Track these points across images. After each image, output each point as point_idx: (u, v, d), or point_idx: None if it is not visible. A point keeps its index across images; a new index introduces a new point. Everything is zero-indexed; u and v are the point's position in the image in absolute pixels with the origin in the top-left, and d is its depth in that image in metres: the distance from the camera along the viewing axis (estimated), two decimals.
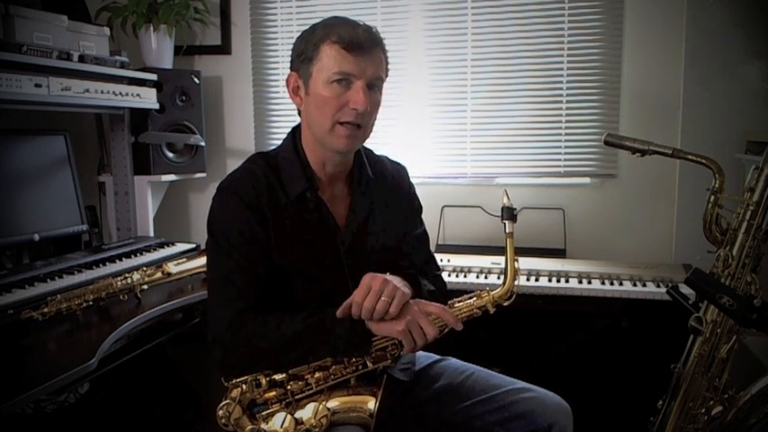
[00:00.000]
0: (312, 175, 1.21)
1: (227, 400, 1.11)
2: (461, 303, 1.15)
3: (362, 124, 1.15)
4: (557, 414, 1.24)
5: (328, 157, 1.20)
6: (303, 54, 1.16)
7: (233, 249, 1.15)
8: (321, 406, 1.08)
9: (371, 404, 1.11)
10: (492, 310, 1.15)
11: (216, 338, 1.13)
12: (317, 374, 1.11)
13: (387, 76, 1.20)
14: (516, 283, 1.14)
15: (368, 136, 1.21)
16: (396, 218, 1.30)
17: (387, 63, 1.19)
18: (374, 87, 1.15)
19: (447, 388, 1.31)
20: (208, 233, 1.20)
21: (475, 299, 1.15)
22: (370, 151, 1.34)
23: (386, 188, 1.31)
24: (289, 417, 1.08)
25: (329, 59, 1.12)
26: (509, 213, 1.14)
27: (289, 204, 1.19)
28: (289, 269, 1.18)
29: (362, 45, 1.10)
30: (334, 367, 1.11)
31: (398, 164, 1.39)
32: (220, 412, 1.10)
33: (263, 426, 1.09)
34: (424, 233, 1.40)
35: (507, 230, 1.14)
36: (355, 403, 1.11)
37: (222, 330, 1.12)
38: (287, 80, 1.22)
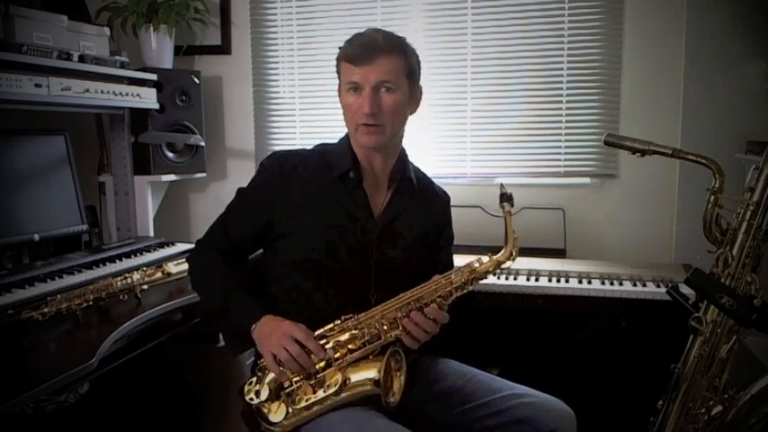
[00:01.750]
0: (358, 164, 1.34)
1: (257, 385, 1.22)
2: (458, 276, 1.24)
3: (380, 123, 1.27)
4: (559, 420, 1.23)
5: (367, 152, 1.34)
6: (337, 70, 1.34)
7: (245, 197, 1.36)
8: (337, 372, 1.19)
9: (374, 372, 1.17)
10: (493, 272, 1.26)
11: (195, 243, 1.41)
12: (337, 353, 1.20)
13: (408, 75, 1.32)
14: (516, 247, 1.26)
15: (393, 133, 1.31)
16: (425, 224, 1.40)
17: (407, 63, 1.31)
18: (384, 90, 1.27)
19: (448, 390, 1.31)
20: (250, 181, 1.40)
21: (478, 264, 1.25)
22: (419, 170, 1.46)
23: (425, 199, 1.42)
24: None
25: (344, 72, 1.31)
26: (507, 198, 1.30)
27: (332, 180, 1.33)
28: (317, 237, 1.29)
29: (360, 57, 1.26)
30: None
31: (445, 191, 1.51)
32: (247, 388, 1.23)
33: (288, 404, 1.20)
34: (450, 264, 1.43)
35: (506, 210, 1.28)
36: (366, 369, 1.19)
37: (196, 247, 1.40)
38: (338, 92, 1.36)
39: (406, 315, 1.20)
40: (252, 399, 1.21)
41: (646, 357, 1.82)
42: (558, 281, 1.97)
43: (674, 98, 2.21)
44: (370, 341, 1.19)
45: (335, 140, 1.40)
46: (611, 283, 1.93)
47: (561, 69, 2.30)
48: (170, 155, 2.35)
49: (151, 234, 2.31)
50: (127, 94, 2.05)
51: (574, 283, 1.95)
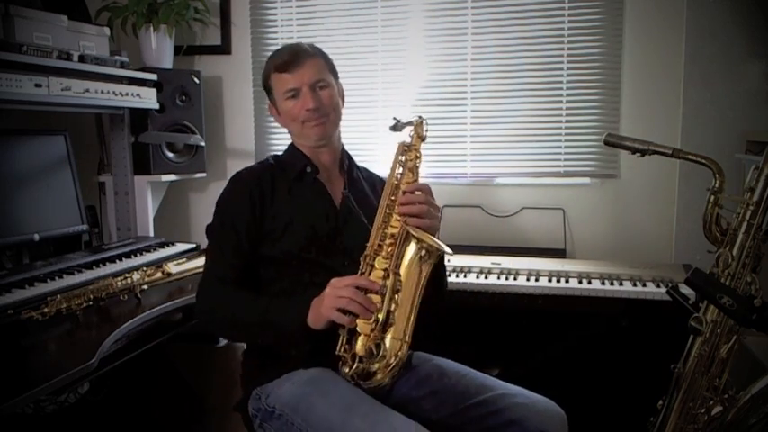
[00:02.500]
0: (310, 162, 1.45)
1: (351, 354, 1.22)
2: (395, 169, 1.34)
3: (324, 113, 1.40)
4: (550, 422, 1.23)
5: (317, 150, 1.45)
6: (266, 88, 1.47)
7: (229, 224, 1.38)
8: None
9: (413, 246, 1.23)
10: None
11: (196, 296, 1.38)
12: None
13: (333, 73, 1.46)
14: (421, 125, 1.36)
15: (336, 122, 1.45)
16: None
17: (328, 63, 1.45)
18: (320, 87, 1.40)
19: (441, 388, 1.30)
20: (215, 212, 1.44)
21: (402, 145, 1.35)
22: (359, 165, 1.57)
23: (372, 185, 1.52)
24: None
25: (277, 85, 1.42)
26: (397, 124, 1.37)
27: (292, 182, 1.42)
28: (294, 236, 1.35)
29: (290, 63, 1.39)
30: None
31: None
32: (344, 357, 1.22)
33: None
34: None
35: (400, 124, 1.37)
36: None
37: (198, 292, 1.37)
38: (269, 110, 1.50)
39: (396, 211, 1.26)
40: (356, 363, 1.19)
41: (646, 357, 1.82)
42: (559, 281, 1.97)
43: (674, 98, 2.21)
44: (390, 251, 1.23)
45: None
46: (611, 283, 1.93)
47: (561, 69, 2.30)
48: (170, 155, 2.35)
49: (151, 234, 2.31)
50: (127, 94, 2.05)
51: (574, 283, 1.95)
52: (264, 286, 1.38)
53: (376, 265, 1.24)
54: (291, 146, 1.49)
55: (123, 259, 1.89)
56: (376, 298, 1.19)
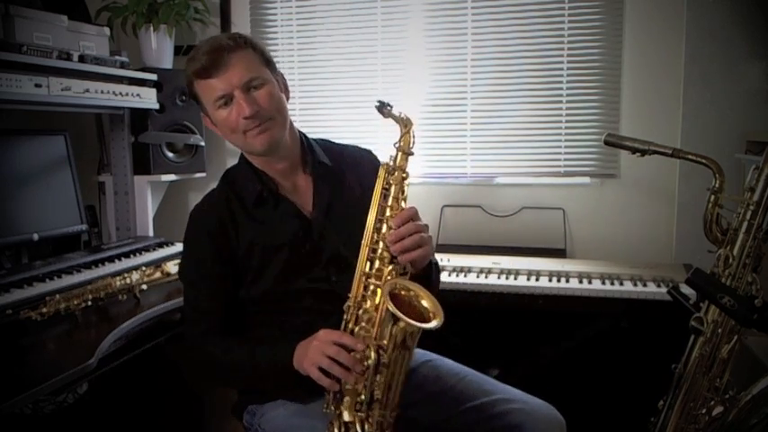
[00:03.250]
0: (265, 176, 1.28)
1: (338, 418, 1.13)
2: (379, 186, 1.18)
3: (266, 117, 1.21)
4: (549, 428, 1.21)
5: (268, 160, 1.28)
6: (193, 96, 1.26)
7: (196, 275, 1.28)
8: None
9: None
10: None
11: (187, 351, 1.30)
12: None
13: (269, 64, 1.25)
14: (406, 123, 1.21)
15: (284, 122, 1.25)
16: (362, 191, 1.27)
17: (259, 54, 1.23)
18: (254, 87, 1.20)
19: (439, 390, 1.28)
20: (181, 257, 1.35)
21: (390, 162, 1.20)
22: (328, 141, 1.39)
23: (351, 166, 1.35)
24: None
25: (204, 93, 1.22)
26: (383, 105, 1.22)
27: (252, 210, 1.27)
28: (268, 267, 1.24)
29: (211, 67, 1.18)
30: None
31: (364, 149, 1.41)
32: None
33: None
34: None
35: (388, 111, 1.22)
36: None
37: (189, 346, 1.29)
38: (204, 122, 1.31)
39: (386, 248, 1.13)
40: None
41: (646, 357, 1.81)
42: (559, 281, 1.96)
43: (674, 98, 2.20)
44: (375, 307, 1.11)
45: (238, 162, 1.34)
46: (612, 283, 1.93)
47: (561, 69, 2.30)
48: (170, 155, 2.35)
49: (151, 234, 2.30)
50: (127, 94, 2.05)
51: (574, 283, 1.95)
52: (253, 327, 1.29)
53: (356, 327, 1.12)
54: (242, 159, 1.32)
55: (122, 259, 1.89)
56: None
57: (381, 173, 1.19)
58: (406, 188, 1.19)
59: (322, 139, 1.39)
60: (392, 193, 1.18)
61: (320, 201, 1.29)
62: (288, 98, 1.29)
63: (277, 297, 1.26)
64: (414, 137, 1.20)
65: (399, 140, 1.20)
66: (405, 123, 1.20)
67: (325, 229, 1.27)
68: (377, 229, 1.16)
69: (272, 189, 1.28)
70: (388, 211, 1.17)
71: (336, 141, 1.42)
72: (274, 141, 1.23)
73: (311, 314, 1.22)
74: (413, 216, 1.15)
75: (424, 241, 1.14)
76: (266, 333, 1.27)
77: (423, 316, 1.10)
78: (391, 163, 1.19)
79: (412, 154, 1.20)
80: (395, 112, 1.21)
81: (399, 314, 1.04)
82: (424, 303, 1.11)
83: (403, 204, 1.18)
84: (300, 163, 1.31)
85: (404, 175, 1.19)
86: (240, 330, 1.29)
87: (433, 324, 1.07)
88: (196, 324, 1.27)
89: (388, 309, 1.05)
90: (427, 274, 1.23)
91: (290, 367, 1.15)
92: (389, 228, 1.15)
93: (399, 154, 1.19)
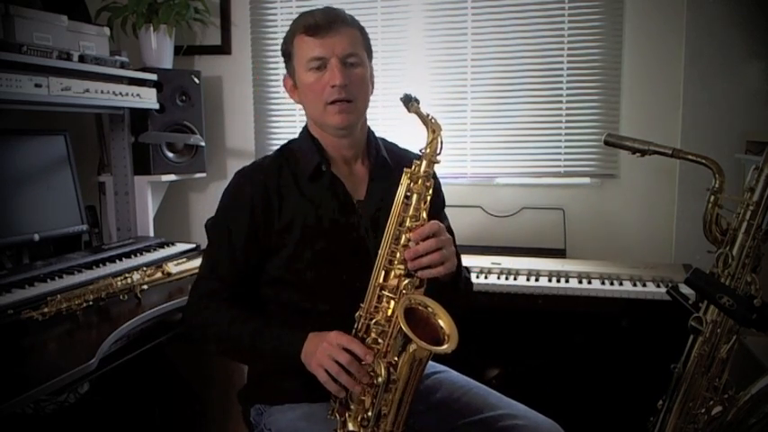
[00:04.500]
0: (326, 154, 1.26)
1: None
2: (403, 194, 1.14)
3: (351, 98, 1.19)
4: None
5: (336, 140, 1.26)
6: (285, 54, 1.25)
7: (225, 236, 1.24)
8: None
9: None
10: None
11: (186, 307, 1.29)
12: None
13: (369, 52, 1.26)
14: (434, 126, 1.16)
15: (363, 109, 1.25)
16: None
17: (365, 38, 1.25)
18: (351, 63, 1.20)
19: (443, 402, 1.27)
20: (216, 210, 1.29)
21: (413, 168, 1.15)
22: (391, 143, 1.39)
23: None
24: None
25: (301, 50, 1.20)
26: (409, 98, 1.17)
27: (305, 183, 1.24)
28: (305, 249, 1.21)
29: (323, 27, 1.17)
30: None
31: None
32: None
33: None
34: (449, 229, 1.33)
35: (414, 108, 1.16)
36: None
37: (189, 303, 1.28)
38: (284, 83, 1.29)
39: (403, 259, 1.10)
40: None
41: (646, 357, 1.82)
42: (558, 281, 1.97)
43: (674, 98, 2.20)
44: (388, 319, 1.09)
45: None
46: (611, 283, 1.93)
47: (561, 69, 2.30)
48: (170, 155, 2.35)
49: (151, 234, 2.30)
50: (127, 94, 2.05)
51: (574, 283, 1.95)
52: (268, 305, 1.26)
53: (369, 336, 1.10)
54: (305, 132, 1.29)
55: (123, 259, 1.89)
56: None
57: (404, 180, 1.14)
58: (428, 198, 1.14)
59: (386, 140, 1.38)
60: (413, 203, 1.13)
61: (373, 192, 1.27)
62: (372, 90, 1.28)
63: (301, 286, 1.22)
64: (442, 144, 1.15)
65: (426, 146, 1.15)
66: (433, 128, 1.15)
67: (372, 222, 1.24)
68: (395, 239, 1.13)
69: (329, 165, 1.25)
70: (408, 221, 1.12)
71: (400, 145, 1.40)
72: (351, 124, 1.22)
73: (330, 318, 1.16)
74: (436, 232, 1.11)
75: (444, 258, 1.11)
76: (275, 320, 1.24)
77: (437, 334, 1.07)
78: (415, 170, 1.15)
79: (438, 162, 1.16)
80: (423, 110, 1.16)
81: (412, 336, 1.02)
82: (441, 322, 1.08)
83: (424, 215, 1.13)
84: (363, 153, 1.30)
85: (428, 183, 1.15)
86: (250, 304, 1.25)
87: (444, 348, 1.04)
88: (207, 281, 1.25)
89: (401, 327, 1.03)
90: (452, 285, 1.20)
91: (296, 358, 1.13)
92: (408, 239, 1.12)
93: (424, 161, 1.15)
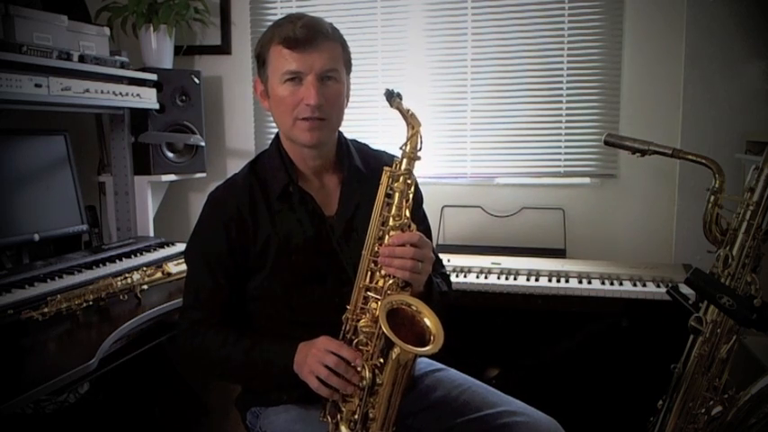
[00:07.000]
0: (294, 169, 1.25)
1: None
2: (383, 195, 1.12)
3: (324, 116, 1.17)
4: None
5: (304, 152, 1.24)
6: (259, 58, 1.21)
7: (203, 262, 1.24)
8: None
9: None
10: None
11: (177, 337, 1.28)
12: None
13: (348, 66, 1.23)
14: (414, 122, 1.14)
15: (336, 127, 1.24)
16: None
17: (345, 52, 1.21)
18: (329, 79, 1.17)
19: (442, 400, 1.27)
20: (190, 237, 1.29)
21: (393, 168, 1.13)
22: (364, 145, 1.36)
23: (378, 176, 1.24)
24: None
25: (277, 61, 1.16)
26: (391, 94, 1.17)
27: (275, 202, 1.23)
28: (283, 267, 1.22)
29: (302, 41, 1.13)
30: None
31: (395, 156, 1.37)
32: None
33: None
34: (427, 230, 1.35)
35: (396, 103, 1.16)
36: None
37: (179, 334, 1.27)
38: (254, 86, 1.26)
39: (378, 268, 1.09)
40: None
41: (646, 357, 1.82)
42: (558, 281, 1.97)
43: (674, 98, 2.21)
44: (372, 322, 1.08)
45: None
46: (611, 283, 1.93)
47: (561, 69, 2.30)
48: (170, 155, 2.35)
49: (151, 234, 2.31)
50: (127, 94, 2.05)
51: (574, 283, 1.95)
52: (255, 319, 1.26)
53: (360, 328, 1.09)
54: (275, 144, 1.27)
55: (123, 259, 1.89)
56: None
57: (384, 179, 1.13)
58: (410, 195, 1.13)
59: (359, 142, 1.36)
60: (395, 201, 1.11)
61: (345, 204, 1.25)
62: (347, 104, 1.25)
63: (284, 301, 1.23)
64: (422, 140, 1.12)
65: (405, 143, 1.12)
66: (412, 124, 1.13)
67: (345, 234, 1.23)
68: (379, 240, 1.12)
69: (296, 184, 1.23)
70: (391, 220, 1.11)
71: (373, 146, 1.38)
72: (320, 142, 1.20)
73: (317, 327, 1.15)
74: (415, 242, 1.08)
75: (416, 269, 1.08)
76: (264, 332, 1.24)
77: (423, 334, 1.07)
78: (396, 168, 1.13)
79: (419, 159, 1.13)
80: (404, 106, 1.14)
81: (395, 339, 1.01)
82: (427, 321, 1.07)
83: (407, 213, 1.12)
84: (333, 163, 1.28)
85: (409, 181, 1.12)
86: (239, 323, 1.25)
87: (428, 348, 1.03)
88: (193, 310, 1.25)
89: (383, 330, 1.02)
90: (426, 296, 1.16)
91: (290, 370, 1.13)
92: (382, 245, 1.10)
93: (405, 159, 1.12)
